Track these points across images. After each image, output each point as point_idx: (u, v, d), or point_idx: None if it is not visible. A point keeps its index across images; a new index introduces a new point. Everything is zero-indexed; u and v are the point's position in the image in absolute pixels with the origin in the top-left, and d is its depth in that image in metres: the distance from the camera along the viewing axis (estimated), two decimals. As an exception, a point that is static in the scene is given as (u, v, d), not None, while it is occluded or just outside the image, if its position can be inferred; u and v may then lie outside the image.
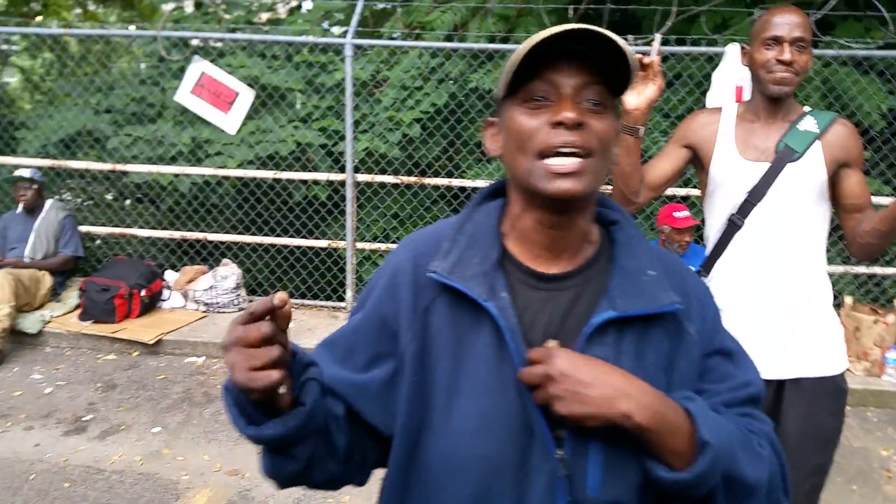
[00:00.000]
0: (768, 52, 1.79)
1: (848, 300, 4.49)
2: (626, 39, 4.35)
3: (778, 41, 1.78)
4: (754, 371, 1.00)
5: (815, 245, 1.85)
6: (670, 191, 4.80)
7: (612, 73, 0.86)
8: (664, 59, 5.04)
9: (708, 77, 4.71)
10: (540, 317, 0.91)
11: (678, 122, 5.16)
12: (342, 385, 0.94)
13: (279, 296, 0.78)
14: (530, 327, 0.90)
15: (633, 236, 0.97)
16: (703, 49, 4.68)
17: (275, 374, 0.75)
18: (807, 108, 1.90)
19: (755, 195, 1.81)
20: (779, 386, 1.84)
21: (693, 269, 4.00)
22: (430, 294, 0.92)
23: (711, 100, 4.58)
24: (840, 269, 4.83)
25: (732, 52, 4.51)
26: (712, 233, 1.94)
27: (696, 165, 1.99)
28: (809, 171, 1.80)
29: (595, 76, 0.86)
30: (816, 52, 4.63)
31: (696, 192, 4.82)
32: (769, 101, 1.86)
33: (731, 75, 4.50)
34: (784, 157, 1.80)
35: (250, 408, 0.82)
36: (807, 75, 1.88)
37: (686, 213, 4.26)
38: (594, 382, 0.82)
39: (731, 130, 1.90)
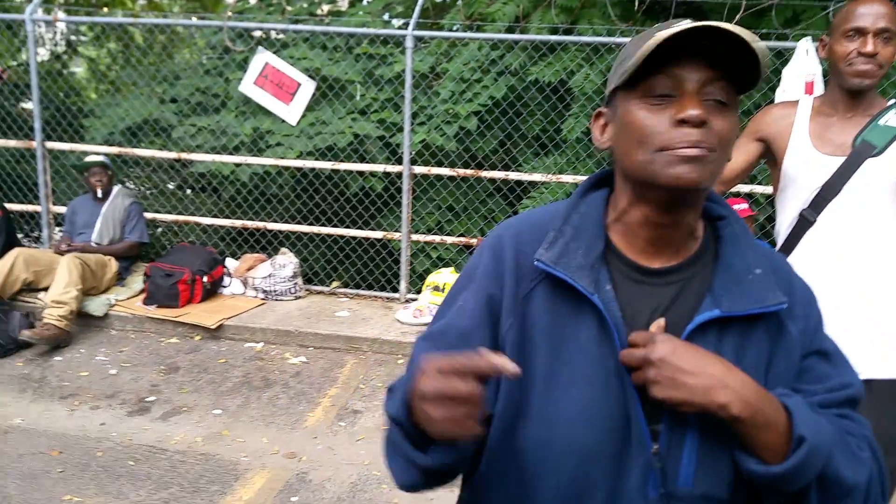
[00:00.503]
0: (850, 44, 1.73)
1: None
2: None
3: (861, 32, 1.71)
4: (853, 373, 0.98)
5: (890, 244, 1.78)
6: (733, 188, 4.68)
7: (738, 69, 0.84)
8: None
9: (777, 73, 4.58)
10: (642, 311, 0.91)
11: (744, 118, 5.04)
12: None
13: (508, 367, 0.76)
14: (632, 321, 0.90)
15: (741, 233, 0.96)
16: (772, 44, 4.55)
17: (478, 429, 0.77)
18: (892, 102, 1.82)
19: (828, 190, 1.76)
20: None
21: None
22: (531, 282, 0.93)
23: (781, 95, 4.45)
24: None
25: (803, 48, 4.37)
26: (783, 228, 1.90)
27: (769, 159, 1.95)
28: (889, 168, 1.73)
29: (718, 72, 0.84)
30: (893, 46, 4.45)
31: (759, 188, 4.70)
32: (848, 95, 1.79)
33: (801, 71, 4.37)
34: (862, 152, 1.74)
35: (417, 435, 0.84)
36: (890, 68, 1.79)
37: (744, 205, 4.20)
38: (693, 370, 0.82)
39: (805, 124, 1.84)
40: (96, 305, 4.70)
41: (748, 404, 0.82)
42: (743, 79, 0.85)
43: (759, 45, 0.80)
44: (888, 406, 1.76)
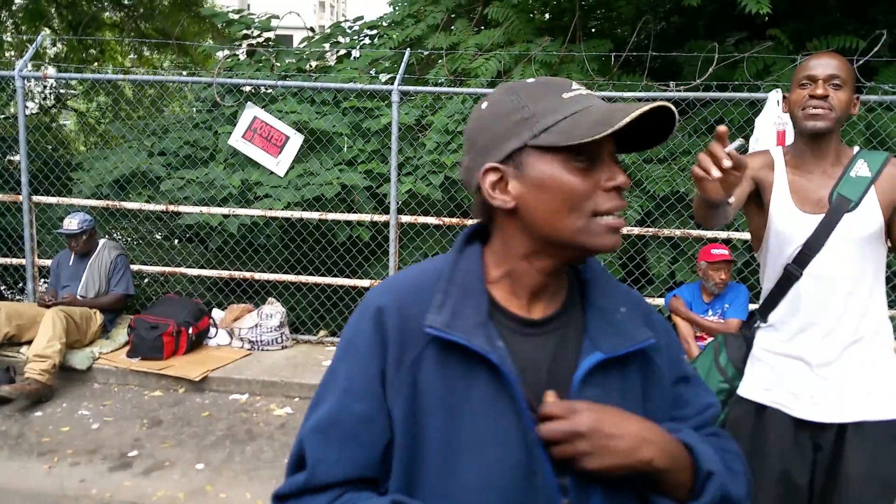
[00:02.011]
0: (804, 91, 1.82)
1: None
2: (667, 86, 4.40)
3: (813, 80, 1.80)
4: (710, 392, 1.07)
5: (874, 289, 1.85)
6: (711, 233, 4.77)
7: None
8: (705, 104, 5.07)
9: (749, 122, 4.73)
10: (531, 363, 0.91)
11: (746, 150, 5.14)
12: (371, 469, 0.90)
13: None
14: (525, 374, 0.89)
15: (602, 274, 1.01)
16: (744, 95, 4.71)
17: None
18: (857, 149, 1.89)
19: (811, 247, 1.82)
20: (840, 430, 1.83)
21: (731, 308, 3.90)
22: (417, 347, 0.89)
23: (754, 144, 4.59)
24: (892, 311, 4.70)
25: (774, 98, 4.53)
26: (768, 280, 1.95)
27: (753, 204, 1.98)
28: (865, 220, 1.80)
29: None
30: (862, 97, 4.60)
31: (736, 234, 4.79)
32: (810, 141, 1.86)
33: (773, 120, 4.51)
34: (839, 207, 1.80)
35: None
36: (848, 118, 1.86)
37: (724, 250, 4.28)
38: (619, 433, 0.84)
39: (784, 180, 1.90)
40: (80, 359, 4.67)
41: (667, 453, 0.87)
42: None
43: (675, 119, 0.89)
44: (880, 447, 1.80)
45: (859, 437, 1.81)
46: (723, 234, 4.77)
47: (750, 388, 1.96)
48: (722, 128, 1.27)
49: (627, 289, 1.04)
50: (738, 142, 1.36)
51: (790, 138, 4.48)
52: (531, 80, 0.93)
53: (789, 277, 1.86)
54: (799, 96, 1.83)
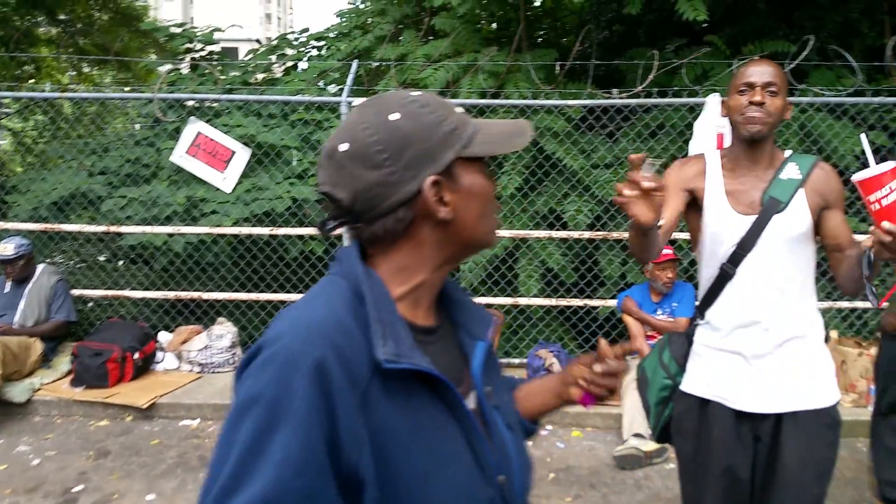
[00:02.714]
0: (742, 98, 1.89)
1: (833, 334, 4.57)
2: (610, 93, 4.49)
3: (751, 86, 1.88)
4: None
5: (804, 285, 1.94)
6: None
7: None
8: (647, 109, 5.17)
9: (690, 126, 4.85)
10: (444, 367, 0.92)
11: (663, 170, 5.26)
12: None
13: None
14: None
15: None
16: (684, 100, 4.83)
17: None
18: (788, 153, 1.97)
19: (744, 247, 1.90)
20: (777, 420, 1.91)
21: (677, 305, 4.03)
22: (362, 388, 0.82)
23: (693, 147, 4.70)
24: (825, 304, 4.88)
25: (712, 102, 4.65)
26: (705, 279, 2.03)
27: (690, 210, 2.06)
28: (795, 220, 1.88)
29: None
30: (793, 99, 4.76)
31: (681, 235, 4.88)
32: (747, 146, 1.93)
33: (711, 124, 4.63)
34: (770, 208, 1.88)
35: None
36: (782, 122, 1.94)
37: (667, 250, 4.37)
38: None
39: (719, 182, 1.97)
40: (18, 391, 4.46)
41: None
42: None
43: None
44: (814, 434, 1.89)
45: (795, 426, 1.89)
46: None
47: (692, 382, 2.03)
48: (634, 156, 1.37)
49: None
50: (650, 164, 1.43)
51: (728, 141, 4.61)
52: (415, 92, 0.94)
53: (724, 276, 1.94)
54: (737, 102, 1.90)
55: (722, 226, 1.93)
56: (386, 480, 0.82)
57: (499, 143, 0.94)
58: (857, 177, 1.57)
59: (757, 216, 1.89)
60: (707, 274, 2.01)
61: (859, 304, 4.96)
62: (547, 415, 1.24)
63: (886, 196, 1.52)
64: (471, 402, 0.97)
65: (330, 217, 0.94)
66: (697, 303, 2.06)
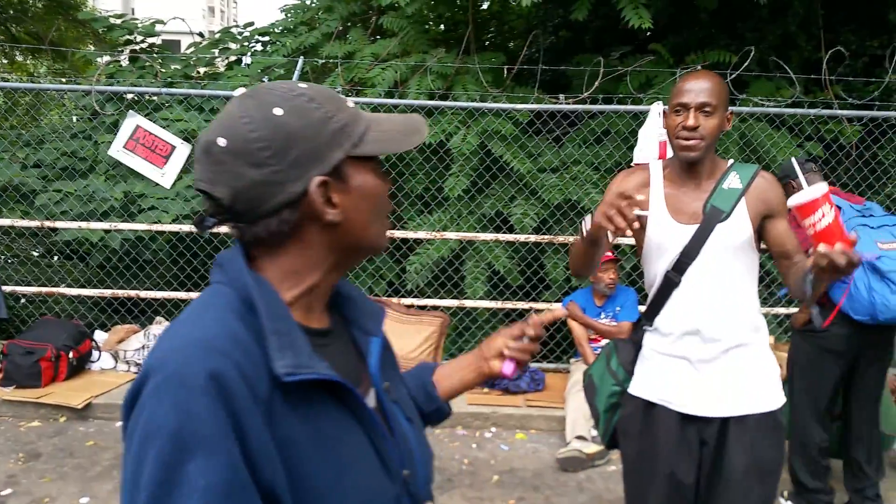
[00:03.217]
0: (677, 118, 1.90)
1: (770, 339, 4.70)
2: (557, 98, 4.54)
3: (685, 107, 1.88)
4: None
5: (748, 292, 1.98)
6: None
7: None
8: (593, 115, 5.27)
9: (634, 133, 4.96)
10: (341, 368, 0.90)
11: (607, 175, 5.37)
12: None
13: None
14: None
15: None
16: (628, 107, 4.94)
17: None
18: (730, 162, 2.00)
19: (688, 255, 1.92)
20: (723, 424, 1.93)
21: (619, 309, 4.11)
22: (265, 403, 0.78)
23: (638, 155, 4.81)
24: (763, 309, 5.04)
25: (656, 110, 4.77)
26: (650, 287, 2.05)
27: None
28: (737, 229, 1.91)
29: None
30: (734, 108, 4.93)
31: (623, 240, 4.98)
32: (686, 165, 1.96)
33: (654, 132, 4.75)
34: (712, 218, 1.91)
35: None
36: (721, 133, 1.95)
37: (606, 252, 4.46)
38: None
39: (660, 194, 2.00)
40: (-56, 390, 4.27)
41: None
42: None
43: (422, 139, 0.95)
44: (758, 437, 1.92)
45: (742, 429, 1.92)
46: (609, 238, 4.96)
47: (638, 386, 2.05)
48: (634, 198, 1.54)
49: None
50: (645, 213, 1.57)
51: (671, 150, 4.74)
52: (303, 84, 0.88)
53: (669, 284, 1.96)
54: (673, 123, 1.92)
55: (664, 236, 1.95)
56: (296, 494, 0.79)
57: (392, 141, 0.90)
58: (791, 202, 1.60)
59: (699, 225, 1.91)
60: (652, 282, 2.03)
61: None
62: (465, 391, 1.27)
63: (820, 220, 1.54)
64: (371, 400, 0.96)
65: (209, 215, 0.87)
66: (644, 309, 2.08)
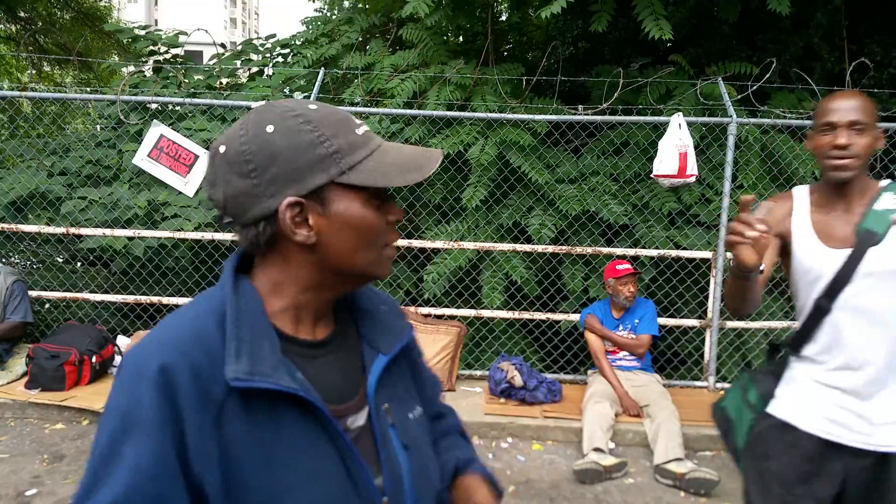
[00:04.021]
0: (825, 138, 1.82)
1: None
2: (575, 109, 4.55)
3: (833, 126, 1.80)
4: (428, 368, 1.20)
5: None
6: (620, 250, 4.96)
7: None
8: (612, 126, 5.28)
9: (654, 144, 4.96)
10: (328, 382, 0.93)
11: (626, 187, 5.36)
12: None
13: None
14: (326, 395, 0.90)
15: None
16: (648, 118, 4.94)
17: None
18: (884, 182, 1.89)
19: (839, 281, 1.81)
20: (881, 459, 1.80)
21: (640, 321, 4.03)
22: (217, 404, 0.82)
23: (658, 166, 4.81)
24: (783, 323, 5.02)
25: (676, 122, 4.77)
26: (800, 315, 1.94)
27: (783, 250, 1.99)
28: (892, 253, 1.79)
29: None
30: (754, 120, 4.92)
31: (643, 251, 4.98)
32: (835, 187, 1.86)
33: (675, 143, 4.75)
34: (865, 241, 1.80)
35: None
36: (871, 154, 1.83)
37: (626, 264, 4.46)
38: None
39: (807, 219, 1.90)
40: (-29, 392, 4.36)
41: None
42: None
43: (432, 170, 0.93)
44: None
45: None
46: (630, 251, 4.96)
47: (780, 406, 1.94)
48: (745, 197, 1.37)
49: (378, 290, 1.13)
50: (762, 206, 1.47)
51: (692, 159, 4.73)
52: (313, 105, 0.91)
53: (820, 311, 1.85)
54: (821, 143, 1.83)
55: (814, 261, 1.85)
56: (229, 497, 0.81)
57: (385, 176, 0.88)
58: None
59: (851, 250, 1.80)
60: (802, 311, 1.92)
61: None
62: None
63: None
64: (360, 419, 0.94)
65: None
66: (791, 339, 1.95)
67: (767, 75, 5.02)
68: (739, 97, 5.06)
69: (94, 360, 4.69)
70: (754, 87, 4.96)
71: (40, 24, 10.30)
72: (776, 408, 1.94)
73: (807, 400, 1.88)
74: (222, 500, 0.81)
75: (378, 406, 0.97)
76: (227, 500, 0.81)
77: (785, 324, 5.03)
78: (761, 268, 1.61)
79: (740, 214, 1.44)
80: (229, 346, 0.84)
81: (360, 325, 1.01)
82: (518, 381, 4.49)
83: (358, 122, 0.92)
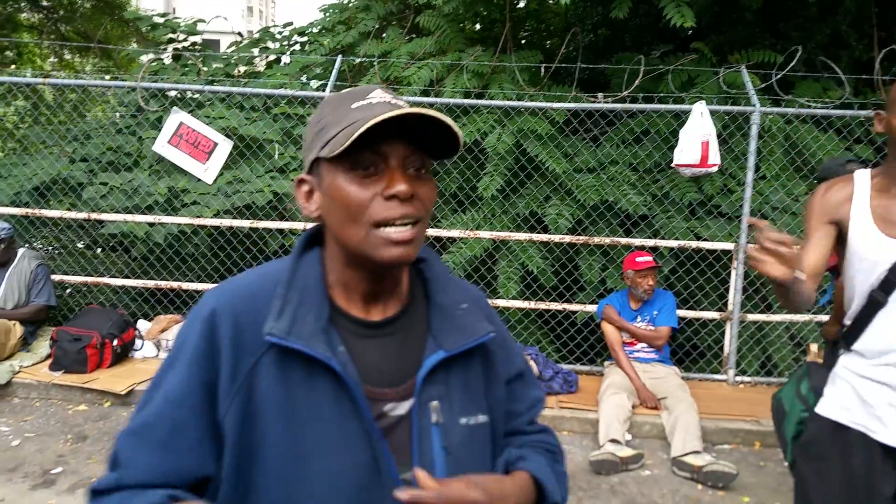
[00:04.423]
0: None
1: (813, 347, 4.61)
2: (595, 97, 4.48)
3: None
4: (538, 385, 1.16)
5: None
6: (639, 241, 4.92)
7: (434, 140, 0.91)
8: (632, 115, 5.22)
9: (675, 133, 4.90)
10: (373, 364, 0.93)
11: (646, 176, 5.30)
12: (177, 477, 0.87)
13: None
14: (366, 376, 0.92)
15: (441, 272, 1.04)
16: (669, 106, 4.87)
17: None
18: None
19: None
20: None
21: (665, 314, 3.96)
22: (255, 354, 0.89)
23: (679, 155, 4.75)
24: (805, 317, 4.96)
25: (698, 110, 4.70)
26: (852, 308, 1.88)
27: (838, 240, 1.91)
28: None
29: (415, 145, 0.91)
30: (778, 109, 4.85)
31: (663, 242, 4.94)
32: None
33: (697, 132, 4.69)
34: None
35: None
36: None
37: (647, 257, 4.41)
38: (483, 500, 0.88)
39: (866, 204, 1.82)
40: (-2, 373, 4.44)
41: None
42: (439, 146, 0.93)
43: (455, 126, 0.87)
44: None
45: None
46: (650, 242, 4.92)
47: (829, 406, 1.88)
48: (756, 222, 1.39)
49: (467, 284, 1.08)
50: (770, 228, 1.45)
51: (714, 149, 4.67)
52: (346, 90, 0.95)
53: (874, 304, 1.79)
54: None
55: (870, 250, 1.77)
56: (251, 450, 0.87)
57: (342, 143, 0.86)
58: None
59: None
60: (855, 302, 1.85)
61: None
62: None
63: None
64: (402, 409, 0.93)
65: None
66: (843, 332, 1.88)
67: (792, 63, 4.94)
68: (763, 86, 4.99)
69: (115, 343, 4.75)
70: (778, 76, 4.88)
71: (62, 12, 10.39)
72: (825, 408, 1.88)
73: (855, 398, 1.82)
74: (238, 446, 0.87)
75: (423, 401, 0.93)
76: (242, 447, 0.87)
77: (808, 317, 4.97)
78: (797, 274, 1.54)
79: (757, 235, 1.41)
80: (274, 305, 0.90)
81: (430, 318, 0.98)
82: (534, 371, 4.49)
83: (375, 94, 0.90)
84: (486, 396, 1.00)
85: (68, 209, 5.36)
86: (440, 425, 0.94)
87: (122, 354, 4.88)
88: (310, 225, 5.00)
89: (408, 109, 0.86)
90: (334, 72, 5.18)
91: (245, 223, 5.10)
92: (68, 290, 5.72)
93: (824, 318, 4.99)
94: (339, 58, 5.44)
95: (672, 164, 4.85)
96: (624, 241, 4.97)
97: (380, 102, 0.89)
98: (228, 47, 6.45)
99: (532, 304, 5.13)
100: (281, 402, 0.87)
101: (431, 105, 5.16)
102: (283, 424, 0.87)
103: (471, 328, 0.97)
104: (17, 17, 10.53)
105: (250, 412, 0.87)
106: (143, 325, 5.22)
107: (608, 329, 4.47)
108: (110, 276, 5.52)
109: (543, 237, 5.04)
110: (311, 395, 0.88)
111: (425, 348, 0.95)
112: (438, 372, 0.94)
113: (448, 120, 0.86)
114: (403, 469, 0.90)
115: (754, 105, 4.74)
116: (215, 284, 4.66)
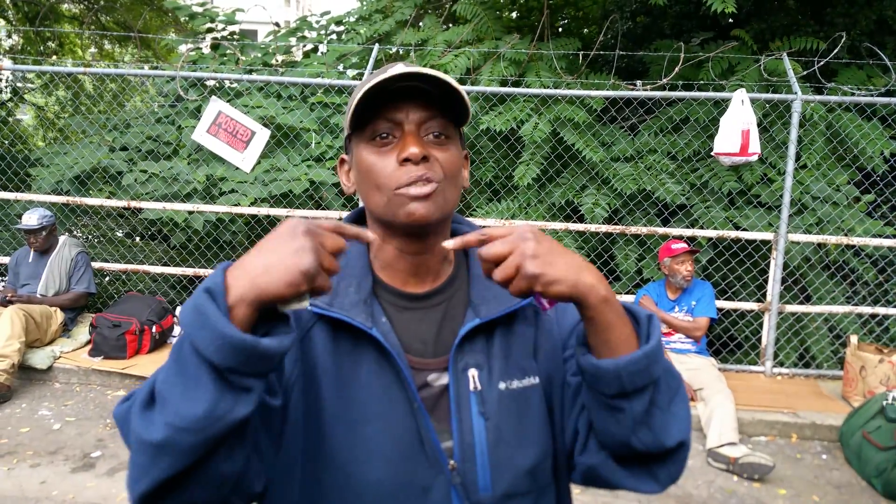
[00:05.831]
0: None
1: (853, 339, 4.51)
2: (633, 85, 4.40)
3: None
4: None
5: None
6: (676, 230, 4.84)
7: (451, 105, 0.91)
8: (671, 103, 5.14)
9: (715, 121, 4.81)
10: (416, 335, 0.95)
11: (685, 165, 5.22)
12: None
13: (368, 235, 0.82)
14: (409, 347, 0.94)
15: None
16: (709, 94, 4.77)
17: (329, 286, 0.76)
18: None
19: None
20: None
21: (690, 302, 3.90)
22: (306, 324, 0.93)
23: (719, 144, 4.67)
24: (845, 308, 4.85)
25: (739, 98, 4.61)
26: None
27: None
28: None
29: (434, 110, 0.91)
30: (821, 98, 4.73)
31: (701, 232, 4.86)
32: None
33: (738, 120, 4.59)
34: None
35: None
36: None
37: (681, 244, 4.34)
38: (560, 251, 0.81)
39: None
40: (40, 358, 4.55)
41: (606, 286, 0.83)
42: (458, 113, 0.93)
43: (457, 85, 0.88)
44: None
45: None
46: (688, 232, 4.85)
47: None
48: None
49: None
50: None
51: (755, 137, 4.58)
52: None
53: None
54: None
55: None
56: (309, 409, 0.90)
57: (352, 113, 0.91)
58: None
59: None
60: None
61: (880, 311, 4.91)
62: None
63: None
64: (445, 378, 0.94)
65: None
66: None
67: (836, 51, 4.81)
68: (805, 73, 4.87)
69: (154, 330, 4.84)
70: (821, 63, 4.77)
71: (102, 2, 10.56)
72: None
73: None
74: (300, 403, 0.90)
75: (460, 368, 0.93)
76: (303, 405, 0.90)
77: (847, 309, 4.86)
78: None
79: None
80: None
81: (471, 290, 0.99)
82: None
83: (394, 67, 0.88)
84: (535, 356, 0.99)
85: (108, 197, 5.46)
86: (477, 392, 0.93)
87: (161, 341, 4.97)
88: (345, 213, 5.03)
89: (405, 69, 0.86)
90: (371, 61, 5.19)
91: (282, 211, 5.14)
92: (108, 278, 5.83)
93: (864, 309, 4.88)
94: (376, 46, 5.44)
95: (711, 153, 4.77)
96: (661, 230, 4.90)
97: (394, 71, 0.88)
98: (266, 36, 6.49)
99: (567, 295, 5.07)
100: (330, 369, 0.91)
101: (468, 94, 5.13)
102: (333, 390, 0.91)
103: (505, 295, 0.96)
104: (59, 7, 10.73)
105: (308, 376, 0.91)
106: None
107: (644, 320, 4.41)
108: (149, 264, 5.62)
109: (579, 226, 5.00)
110: (357, 364, 0.91)
111: (465, 319, 0.96)
112: (477, 340, 0.95)
113: (447, 77, 0.87)
114: (445, 437, 0.91)
115: (796, 93, 4.63)
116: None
